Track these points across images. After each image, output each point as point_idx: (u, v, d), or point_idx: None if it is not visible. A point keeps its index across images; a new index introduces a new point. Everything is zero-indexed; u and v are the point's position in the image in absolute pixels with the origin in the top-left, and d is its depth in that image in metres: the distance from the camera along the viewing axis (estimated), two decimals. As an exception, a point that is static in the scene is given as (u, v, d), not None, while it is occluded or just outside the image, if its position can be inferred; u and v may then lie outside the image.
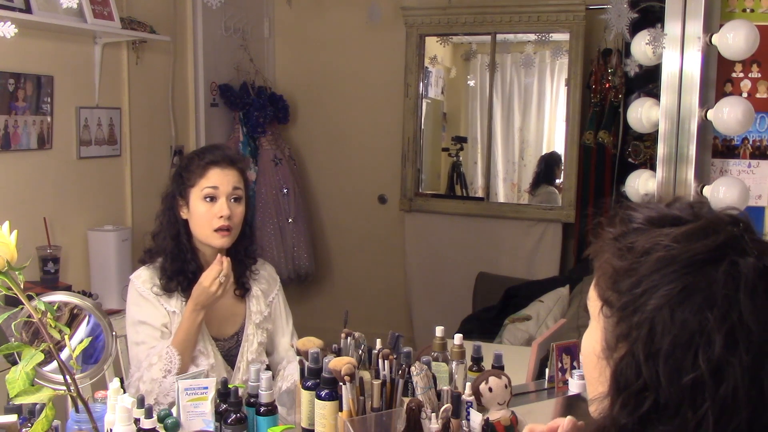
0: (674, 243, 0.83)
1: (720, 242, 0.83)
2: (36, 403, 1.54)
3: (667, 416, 0.81)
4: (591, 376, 0.94)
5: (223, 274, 1.93)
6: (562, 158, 4.41)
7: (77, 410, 1.47)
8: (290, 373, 2.03)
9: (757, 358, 0.78)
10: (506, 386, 1.62)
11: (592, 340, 0.91)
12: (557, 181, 4.47)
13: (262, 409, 1.60)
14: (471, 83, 4.75)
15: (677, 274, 0.81)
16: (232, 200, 2.02)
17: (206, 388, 1.63)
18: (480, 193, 4.64)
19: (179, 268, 2.02)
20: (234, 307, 2.11)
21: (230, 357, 2.08)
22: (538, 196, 4.54)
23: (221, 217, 1.99)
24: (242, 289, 2.12)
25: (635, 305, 0.83)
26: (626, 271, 0.85)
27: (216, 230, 2.00)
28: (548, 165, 4.55)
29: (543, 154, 4.61)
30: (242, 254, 2.11)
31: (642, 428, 0.82)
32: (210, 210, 1.99)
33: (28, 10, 2.75)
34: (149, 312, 2.01)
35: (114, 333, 1.79)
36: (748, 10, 2.14)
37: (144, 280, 2.03)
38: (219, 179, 2.01)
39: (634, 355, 0.82)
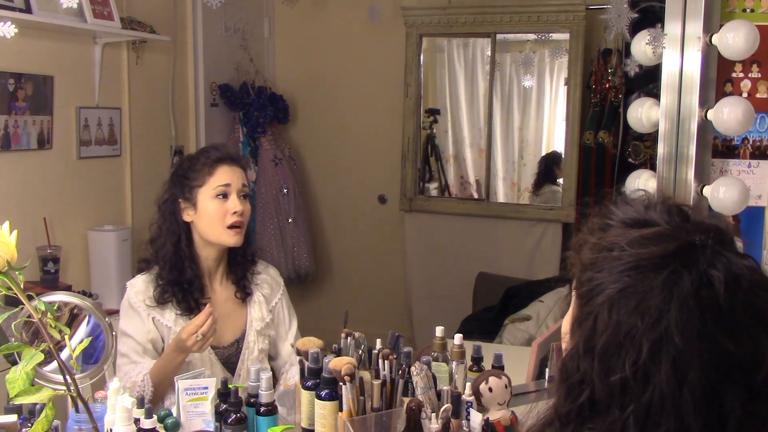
0: (627, 246, 0.85)
1: (669, 251, 0.82)
2: (36, 403, 1.54)
3: (600, 412, 0.83)
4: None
5: (201, 332, 1.82)
6: (563, 157, 4.42)
7: (77, 410, 1.47)
8: (292, 375, 2.02)
9: (679, 372, 0.78)
10: (506, 386, 1.62)
11: (566, 323, 0.95)
12: (559, 180, 4.48)
13: (262, 409, 1.61)
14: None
15: (621, 275, 0.83)
16: (242, 197, 2.01)
17: (206, 388, 1.63)
18: (472, 186, 4.64)
19: (175, 278, 1.98)
20: (234, 313, 2.08)
21: (230, 364, 2.05)
22: (541, 196, 4.54)
23: (235, 212, 1.97)
24: (243, 293, 2.08)
25: (588, 296, 0.86)
26: (590, 264, 0.88)
27: (229, 227, 1.97)
28: (549, 164, 4.54)
29: (544, 154, 4.61)
30: (241, 256, 2.08)
31: (581, 420, 0.84)
32: (222, 207, 1.97)
33: (28, 10, 2.75)
34: (136, 325, 1.98)
35: (114, 333, 1.79)
36: (748, 10, 2.13)
37: (138, 290, 2.00)
38: (229, 176, 2.00)
39: (577, 347, 0.85)
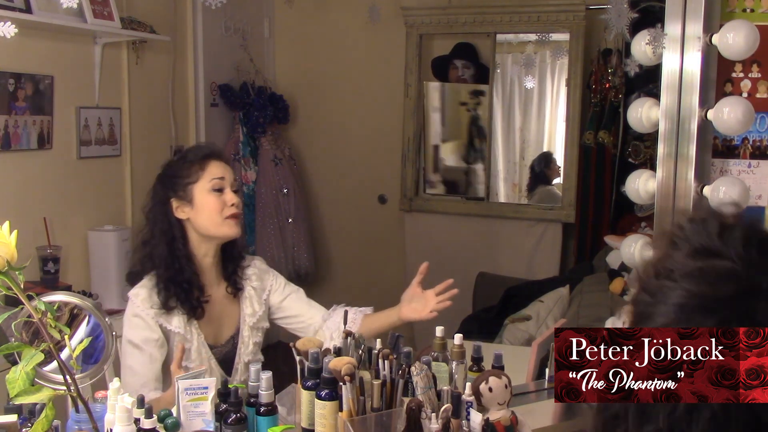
0: (681, 278, 0.74)
1: (723, 294, 0.72)
2: (36, 403, 1.54)
3: None
4: None
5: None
6: (558, 158, 4.44)
7: (77, 410, 1.47)
8: (329, 327, 2.20)
9: None
10: (506, 386, 1.61)
11: None
12: (554, 181, 4.49)
13: (262, 409, 1.60)
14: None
15: (669, 309, 0.74)
16: (234, 191, 2.05)
17: (206, 388, 1.63)
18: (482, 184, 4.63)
19: (173, 277, 1.98)
20: (228, 310, 2.10)
21: (227, 361, 2.06)
22: (535, 196, 4.55)
23: (232, 204, 2.01)
24: (234, 288, 2.10)
25: (638, 321, 0.77)
26: (647, 286, 0.78)
27: (228, 218, 2.01)
28: (540, 167, 4.56)
29: (535, 156, 4.61)
30: (231, 251, 2.11)
31: None
32: (220, 199, 2.01)
33: (28, 10, 2.75)
34: (141, 332, 1.97)
35: (114, 333, 1.79)
36: (748, 10, 2.13)
37: (143, 298, 1.99)
38: (221, 170, 2.03)
39: None
